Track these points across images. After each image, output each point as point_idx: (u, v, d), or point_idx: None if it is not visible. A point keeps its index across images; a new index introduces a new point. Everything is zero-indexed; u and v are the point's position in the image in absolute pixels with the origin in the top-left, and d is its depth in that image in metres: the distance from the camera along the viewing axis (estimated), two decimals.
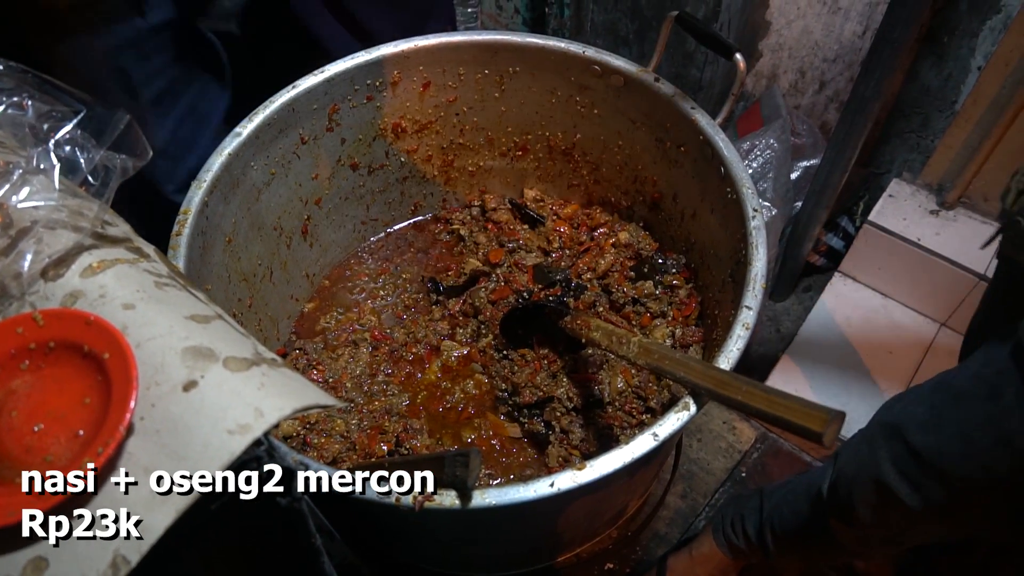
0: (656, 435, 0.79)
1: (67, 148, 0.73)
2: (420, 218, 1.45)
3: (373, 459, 1.09)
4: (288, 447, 0.80)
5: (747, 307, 0.88)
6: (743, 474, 1.77)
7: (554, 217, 1.36)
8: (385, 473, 0.90)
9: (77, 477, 0.54)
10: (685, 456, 1.73)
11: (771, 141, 1.71)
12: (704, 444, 1.79)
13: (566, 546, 1.12)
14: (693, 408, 0.81)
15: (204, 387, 0.60)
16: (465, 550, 1.07)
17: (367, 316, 1.31)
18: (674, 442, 1.09)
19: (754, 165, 1.70)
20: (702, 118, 1.05)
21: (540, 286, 1.23)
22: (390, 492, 0.76)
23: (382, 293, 1.35)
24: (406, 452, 1.11)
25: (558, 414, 1.12)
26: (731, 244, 1.02)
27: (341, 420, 1.15)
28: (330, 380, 1.20)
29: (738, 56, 0.99)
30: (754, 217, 0.95)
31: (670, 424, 0.80)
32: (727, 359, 0.85)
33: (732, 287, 1.01)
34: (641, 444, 0.78)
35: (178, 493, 0.55)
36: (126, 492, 0.56)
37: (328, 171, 1.25)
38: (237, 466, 0.57)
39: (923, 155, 1.80)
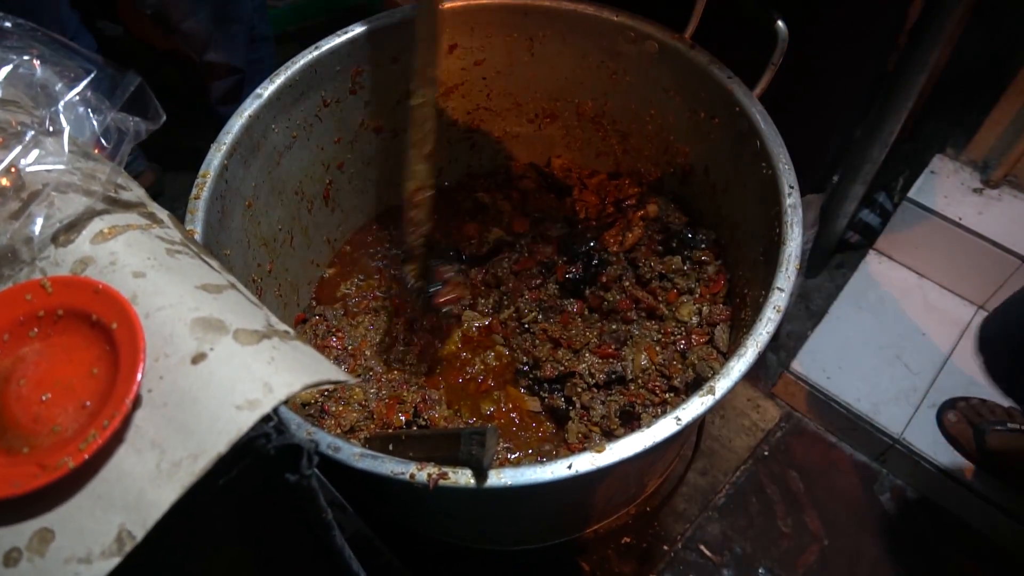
0: (679, 419, 0.77)
1: (79, 109, 0.71)
2: (444, 183, 1.42)
3: (390, 430, 1.08)
4: (302, 417, 0.79)
5: (779, 288, 0.85)
6: (766, 453, 1.74)
7: (581, 187, 1.33)
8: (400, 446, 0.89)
9: (83, 449, 0.53)
10: (707, 433, 1.71)
11: None
12: (727, 421, 1.76)
13: (583, 523, 1.11)
14: (718, 393, 0.78)
15: (213, 360, 0.59)
16: (480, 524, 1.06)
17: (387, 283, 1.29)
18: (696, 425, 1.06)
19: None
20: (738, 88, 1.01)
21: (564, 258, 1.20)
22: (404, 470, 0.74)
23: None
24: (424, 423, 1.10)
25: (579, 390, 1.10)
26: (764, 221, 0.98)
27: (360, 389, 1.14)
28: (349, 348, 1.19)
29: (780, 24, 0.94)
30: (790, 194, 0.91)
31: (693, 408, 0.77)
32: (756, 342, 0.81)
33: (764, 266, 0.97)
34: (663, 428, 0.76)
35: (184, 468, 0.54)
36: (132, 466, 0.55)
37: (351, 135, 1.22)
38: (245, 442, 0.56)
39: (968, 130, 1.72)
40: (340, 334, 1.20)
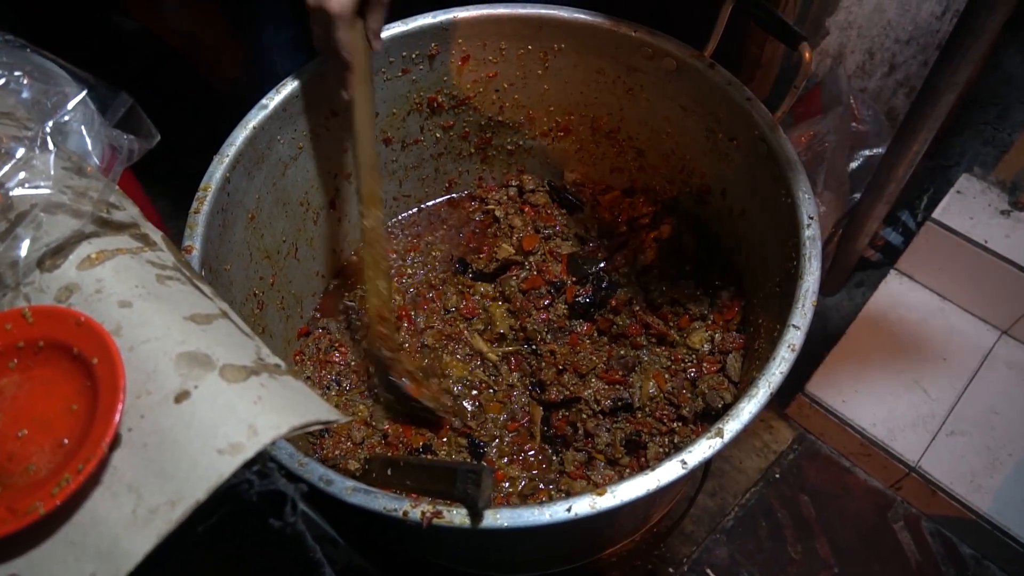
0: (685, 462, 0.74)
1: (72, 126, 0.68)
2: (454, 195, 1.39)
3: (389, 454, 1.05)
4: (295, 448, 0.76)
5: (794, 326, 0.81)
6: (777, 475, 1.71)
7: (594, 203, 1.29)
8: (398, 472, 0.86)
9: (56, 495, 0.50)
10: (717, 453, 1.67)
11: (828, 131, 1.60)
12: (738, 442, 1.71)
13: (585, 554, 1.08)
14: (727, 436, 0.75)
15: (197, 399, 0.56)
16: (478, 554, 1.03)
17: (392, 295, 1.26)
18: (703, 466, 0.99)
19: (807, 156, 1.60)
20: (758, 112, 0.97)
21: (573, 278, 1.17)
22: (397, 507, 0.72)
23: (409, 271, 1.30)
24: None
25: (584, 416, 1.07)
26: (781, 251, 0.94)
27: (364, 405, 1.12)
28: (352, 363, 1.16)
29: (804, 45, 0.90)
30: (809, 225, 0.87)
31: (700, 451, 0.74)
32: (768, 382, 0.78)
33: (779, 298, 0.93)
34: (668, 471, 0.73)
35: (161, 516, 0.52)
36: (107, 511, 0.52)
37: None
38: (226, 488, 0.53)
39: (998, 149, 1.67)
40: (343, 349, 1.17)
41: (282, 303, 1.13)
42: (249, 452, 0.54)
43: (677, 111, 1.11)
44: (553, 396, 1.09)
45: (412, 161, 1.29)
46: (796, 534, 1.63)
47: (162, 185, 2.00)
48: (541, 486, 1.05)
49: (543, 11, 1.10)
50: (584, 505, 0.71)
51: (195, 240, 0.90)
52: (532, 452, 1.08)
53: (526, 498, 1.03)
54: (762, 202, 1.01)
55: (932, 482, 1.55)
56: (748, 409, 0.76)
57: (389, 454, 1.06)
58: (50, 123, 0.63)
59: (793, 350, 0.79)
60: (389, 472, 0.88)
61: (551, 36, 1.13)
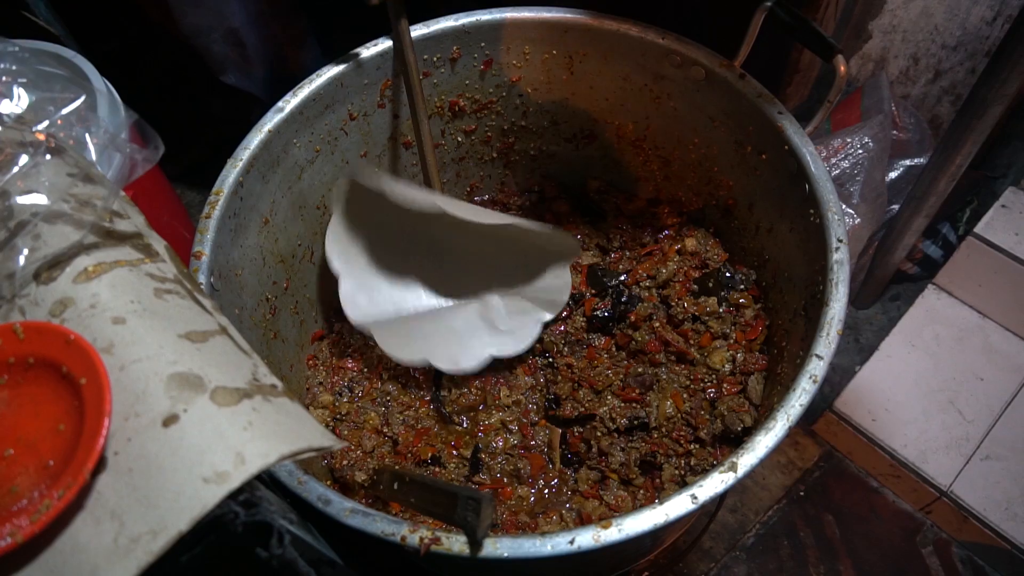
0: (695, 497, 0.71)
1: (79, 133, 0.67)
2: (475, 199, 1.37)
3: (397, 466, 1.04)
4: (295, 465, 0.74)
5: (817, 356, 0.77)
6: (801, 493, 1.66)
7: (617, 212, 1.26)
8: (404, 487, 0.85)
9: (34, 522, 0.49)
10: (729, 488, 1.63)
11: (866, 139, 1.54)
12: None
13: (597, 575, 1.05)
14: (740, 470, 0.72)
15: (185, 423, 0.55)
16: (484, 572, 1.01)
17: None
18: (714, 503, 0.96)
19: (843, 164, 1.54)
20: (789, 126, 0.93)
21: (592, 291, 1.14)
22: (396, 531, 0.70)
23: None
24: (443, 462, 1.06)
25: (598, 434, 1.04)
26: (808, 272, 0.90)
27: (375, 412, 1.10)
28: (365, 370, 1.15)
29: (839, 58, 0.85)
30: (838, 248, 0.83)
31: (711, 486, 0.71)
32: (787, 415, 0.75)
33: (804, 322, 0.89)
34: (677, 506, 0.70)
35: (143, 546, 0.50)
36: (89, 538, 0.51)
37: (378, 148, 1.17)
38: (211, 518, 0.52)
39: None
40: (356, 355, 1.16)
41: (296, 307, 1.12)
42: (235, 482, 0.52)
43: (705, 121, 1.07)
44: (568, 412, 1.06)
45: None
46: (819, 555, 1.58)
47: (191, 179, 2.01)
48: (551, 505, 1.02)
49: (569, 15, 1.06)
50: (587, 538, 0.69)
51: (205, 246, 0.88)
52: (551, 477, 1.06)
53: (536, 516, 1.01)
54: (791, 220, 0.97)
55: (964, 507, 1.49)
56: (764, 443, 0.73)
57: (397, 467, 1.04)
58: (54, 130, 0.62)
59: (815, 381, 0.76)
60: (396, 486, 0.86)
61: (577, 41, 1.09)
